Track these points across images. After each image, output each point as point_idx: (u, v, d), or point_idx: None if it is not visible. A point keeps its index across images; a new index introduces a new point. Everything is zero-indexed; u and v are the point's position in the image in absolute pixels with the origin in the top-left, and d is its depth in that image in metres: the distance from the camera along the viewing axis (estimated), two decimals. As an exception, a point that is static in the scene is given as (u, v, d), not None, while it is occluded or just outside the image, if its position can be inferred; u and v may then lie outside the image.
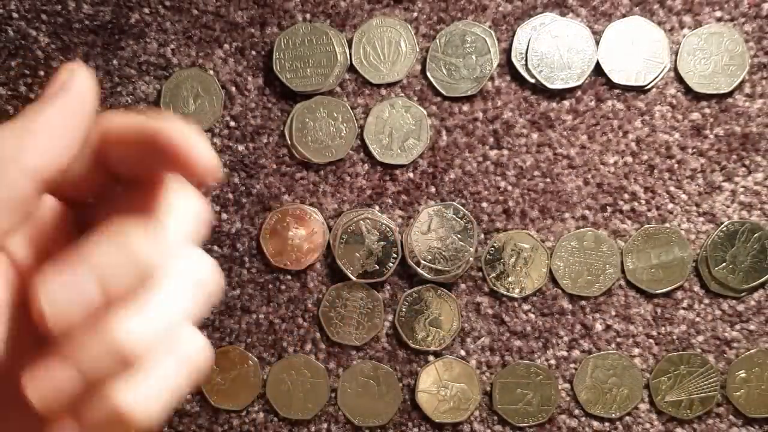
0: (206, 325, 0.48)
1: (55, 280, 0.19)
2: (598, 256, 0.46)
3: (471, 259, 0.46)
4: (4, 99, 0.49)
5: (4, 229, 0.19)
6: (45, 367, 0.19)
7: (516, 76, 0.47)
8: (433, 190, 0.47)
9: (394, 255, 0.47)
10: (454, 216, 0.46)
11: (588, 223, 0.47)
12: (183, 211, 0.22)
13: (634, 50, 0.46)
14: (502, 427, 0.47)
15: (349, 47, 0.47)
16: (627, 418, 0.47)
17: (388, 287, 0.48)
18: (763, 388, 0.46)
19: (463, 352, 0.47)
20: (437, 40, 0.47)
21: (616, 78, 0.46)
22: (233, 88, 0.48)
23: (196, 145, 0.21)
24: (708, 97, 0.46)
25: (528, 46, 0.46)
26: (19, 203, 0.20)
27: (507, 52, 0.47)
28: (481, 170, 0.47)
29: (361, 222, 0.47)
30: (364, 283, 0.47)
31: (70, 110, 0.21)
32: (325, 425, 0.48)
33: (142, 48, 0.48)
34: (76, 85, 0.21)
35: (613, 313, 0.47)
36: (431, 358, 0.47)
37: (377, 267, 0.47)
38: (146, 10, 0.48)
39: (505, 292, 0.47)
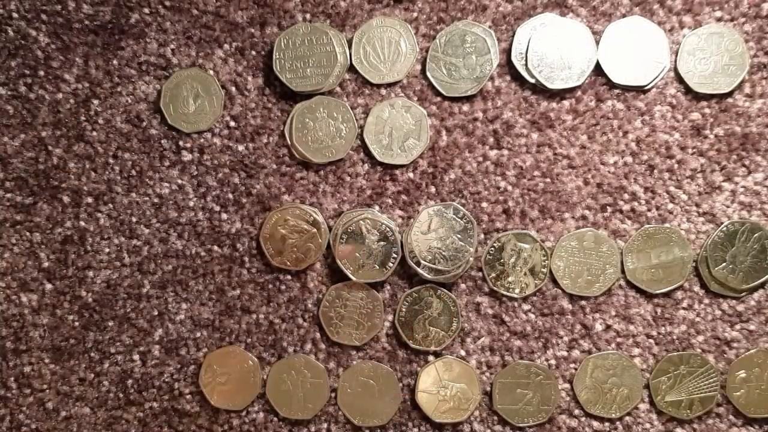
0: (206, 325, 0.48)
1: None
2: (598, 256, 0.46)
3: (471, 259, 0.46)
4: (4, 99, 0.49)
5: None
6: None
7: (516, 76, 0.47)
8: (433, 190, 0.47)
9: (394, 255, 0.47)
10: (454, 216, 0.46)
11: (588, 223, 0.47)
12: None
13: (634, 50, 0.46)
14: (502, 427, 0.47)
15: (349, 47, 0.47)
16: (627, 418, 0.47)
17: (388, 287, 0.48)
18: (763, 388, 0.46)
19: (463, 352, 0.47)
20: (437, 40, 0.47)
21: (616, 78, 0.46)
22: (233, 88, 0.48)
23: None
24: (708, 97, 0.46)
25: (528, 46, 0.46)
26: None
27: (507, 52, 0.47)
28: (481, 170, 0.47)
29: (361, 222, 0.47)
30: (364, 283, 0.47)
31: None
32: (325, 425, 0.48)
33: (142, 48, 0.48)
34: None
35: (613, 313, 0.47)
36: (431, 358, 0.47)
37: (377, 267, 0.47)
38: (146, 10, 0.48)
39: (505, 292, 0.47)
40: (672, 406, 0.46)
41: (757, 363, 0.46)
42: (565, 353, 0.47)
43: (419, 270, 0.46)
